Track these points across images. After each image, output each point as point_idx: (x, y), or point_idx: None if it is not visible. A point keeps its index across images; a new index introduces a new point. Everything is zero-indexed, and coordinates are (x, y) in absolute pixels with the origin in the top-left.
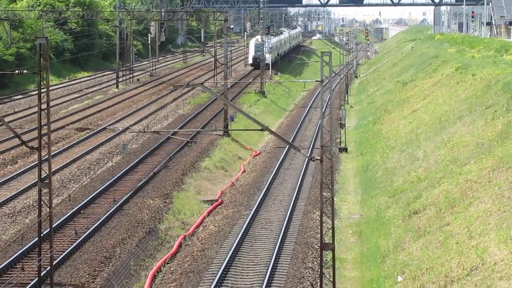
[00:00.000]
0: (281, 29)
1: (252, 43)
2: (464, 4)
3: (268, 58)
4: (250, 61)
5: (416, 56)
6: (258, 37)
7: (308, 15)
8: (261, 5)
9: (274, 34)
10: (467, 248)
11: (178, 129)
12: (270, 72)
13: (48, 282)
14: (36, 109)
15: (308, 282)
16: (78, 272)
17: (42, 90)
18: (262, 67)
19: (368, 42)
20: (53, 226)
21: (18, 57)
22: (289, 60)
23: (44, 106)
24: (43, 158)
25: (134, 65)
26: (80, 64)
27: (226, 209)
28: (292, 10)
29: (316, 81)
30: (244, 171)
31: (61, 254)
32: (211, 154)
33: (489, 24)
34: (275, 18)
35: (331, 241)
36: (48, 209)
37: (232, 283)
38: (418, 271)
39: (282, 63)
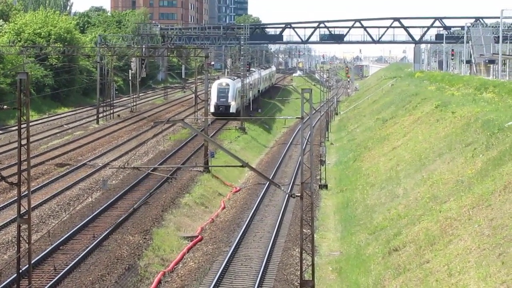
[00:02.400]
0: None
1: (214, 87)
2: (444, 42)
3: (234, 105)
4: (212, 109)
5: (396, 93)
6: (222, 80)
7: (289, 52)
8: (242, 42)
9: (240, 76)
10: (447, 286)
11: (158, 165)
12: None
13: None
14: (16, 144)
15: None
16: None
17: (22, 126)
18: (243, 105)
19: (348, 79)
20: (32, 262)
21: None
22: (270, 97)
23: (24, 141)
24: (23, 194)
25: (114, 101)
26: (60, 100)
27: (206, 245)
28: (273, 47)
29: (297, 118)
30: (224, 208)
31: None
32: (191, 190)
33: (468, 62)
34: (256, 55)
35: (311, 278)
36: (27, 245)
37: None
38: None
39: (263, 100)
